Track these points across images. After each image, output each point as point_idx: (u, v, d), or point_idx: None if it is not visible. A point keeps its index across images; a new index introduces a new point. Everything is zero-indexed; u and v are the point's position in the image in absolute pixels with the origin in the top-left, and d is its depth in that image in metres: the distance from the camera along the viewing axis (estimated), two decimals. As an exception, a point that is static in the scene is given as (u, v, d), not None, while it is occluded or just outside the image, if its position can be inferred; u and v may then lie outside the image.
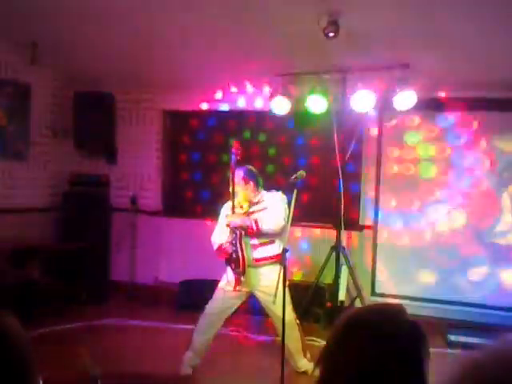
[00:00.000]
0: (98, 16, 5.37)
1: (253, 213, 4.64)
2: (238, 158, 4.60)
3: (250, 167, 4.79)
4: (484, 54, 5.47)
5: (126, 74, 7.09)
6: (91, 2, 5.06)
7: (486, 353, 1.02)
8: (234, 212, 4.58)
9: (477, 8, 4.53)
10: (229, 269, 4.64)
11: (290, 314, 4.64)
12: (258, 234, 4.54)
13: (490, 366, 0.97)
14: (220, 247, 4.65)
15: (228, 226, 4.56)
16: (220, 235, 4.72)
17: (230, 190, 4.61)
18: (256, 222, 4.50)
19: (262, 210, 4.65)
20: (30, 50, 6.35)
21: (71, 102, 7.59)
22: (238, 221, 4.54)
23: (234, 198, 4.59)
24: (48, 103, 7.42)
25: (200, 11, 5.05)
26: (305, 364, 4.83)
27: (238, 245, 4.52)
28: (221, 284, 4.74)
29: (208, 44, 5.80)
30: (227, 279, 4.65)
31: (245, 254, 4.53)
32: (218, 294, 4.71)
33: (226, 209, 4.84)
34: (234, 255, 4.54)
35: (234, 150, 4.57)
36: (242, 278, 4.54)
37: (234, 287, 4.56)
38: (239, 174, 4.67)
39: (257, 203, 4.69)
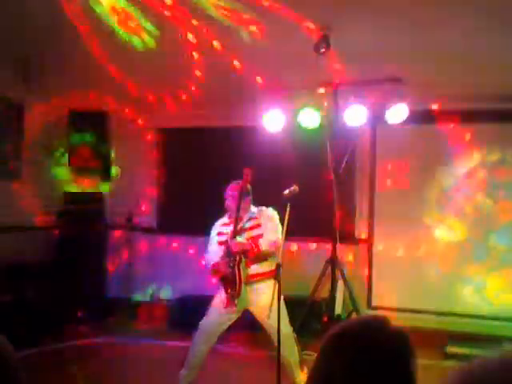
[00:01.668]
0: (93, 34, 5.41)
1: (249, 229, 4.65)
2: (248, 185, 4.61)
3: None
4: (476, 66, 5.53)
5: (120, 92, 7.12)
6: (85, 19, 5.09)
7: (479, 365, 1.00)
8: (234, 236, 4.54)
9: (468, 21, 4.58)
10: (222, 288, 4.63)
11: (287, 327, 4.62)
12: (258, 255, 4.54)
13: (482, 379, 0.95)
14: (215, 267, 4.63)
15: (229, 250, 4.53)
16: (214, 254, 4.71)
17: (234, 214, 4.55)
18: (256, 245, 4.49)
19: (256, 226, 4.65)
20: (24, 68, 6.37)
21: (66, 120, 7.62)
22: (239, 246, 4.51)
23: (237, 222, 4.56)
24: (42, 121, 7.42)
25: (194, 29, 5.10)
26: (303, 378, 4.78)
27: (236, 268, 4.48)
28: (215, 300, 4.73)
29: (202, 60, 5.83)
30: (221, 296, 4.63)
31: (242, 278, 4.50)
32: (212, 311, 4.69)
33: (217, 227, 4.83)
34: (230, 277, 4.50)
35: (244, 177, 4.54)
36: (236, 301, 4.53)
37: (226, 306, 4.54)
38: (235, 189, 4.68)
39: (250, 219, 4.70)
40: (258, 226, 4.65)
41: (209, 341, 4.70)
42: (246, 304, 4.66)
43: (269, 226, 4.59)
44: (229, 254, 4.51)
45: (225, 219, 4.84)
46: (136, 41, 5.37)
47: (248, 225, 4.67)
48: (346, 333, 1.27)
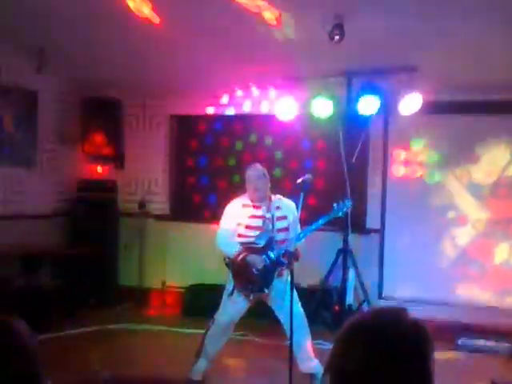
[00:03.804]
0: (105, 22, 5.42)
1: (277, 219, 4.58)
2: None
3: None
4: (491, 56, 5.47)
5: (132, 80, 7.13)
6: (98, 9, 5.10)
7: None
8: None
9: (484, 10, 4.53)
10: (231, 277, 4.61)
11: (300, 309, 4.61)
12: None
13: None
14: (245, 259, 4.50)
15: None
16: (230, 234, 4.61)
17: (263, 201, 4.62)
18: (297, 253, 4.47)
19: (282, 217, 4.61)
20: (38, 56, 6.39)
21: (79, 108, 7.66)
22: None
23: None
24: (55, 109, 7.45)
25: (206, 16, 5.09)
26: (315, 366, 4.74)
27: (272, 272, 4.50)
28: (227, 290, 4.66)
29: (214, 48, 5.83)
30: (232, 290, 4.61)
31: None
32: (226, 304, 4.63)
33: (238, 207, 4.65)
34: (258, 274, 4.48)
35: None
36: (252, 296, 4.52)
37: (249, 297, 4.55)
38: (261, 169, 4.67)
39: (277, 208, 4.63)
40: (284, 217, 4.62)
41: (226, 332, 4.71)
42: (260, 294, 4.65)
43: (295, 222, 4.54)
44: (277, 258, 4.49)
45: (245, 200, 4.68)
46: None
47: (276, 214, 4.61)
48: (362, 325, 1.25)
